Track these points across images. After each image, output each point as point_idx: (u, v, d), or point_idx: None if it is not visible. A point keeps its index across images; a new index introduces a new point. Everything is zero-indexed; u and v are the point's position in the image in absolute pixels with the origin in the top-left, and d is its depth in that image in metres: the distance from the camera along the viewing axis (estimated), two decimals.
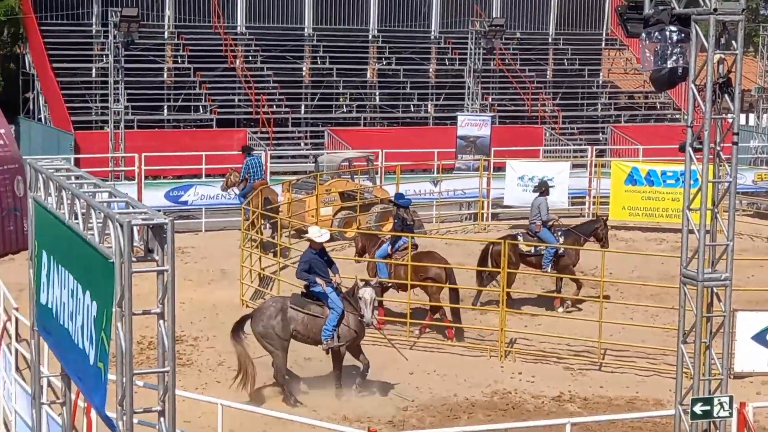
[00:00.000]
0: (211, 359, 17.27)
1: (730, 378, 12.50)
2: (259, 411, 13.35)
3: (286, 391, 15.47)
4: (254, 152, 26.36)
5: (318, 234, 15.97)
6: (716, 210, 11.55)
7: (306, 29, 39.42)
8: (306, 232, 17.08)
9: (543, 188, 21.32)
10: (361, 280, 16.13)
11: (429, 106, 39.76)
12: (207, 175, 29.40)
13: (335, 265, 16.09)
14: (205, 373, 16.73)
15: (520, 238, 20.64)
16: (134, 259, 7.51)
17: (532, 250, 20.49)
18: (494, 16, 39.38)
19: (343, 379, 15.86)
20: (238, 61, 37.70)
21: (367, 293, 15.59)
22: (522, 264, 20.58)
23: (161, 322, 7.70)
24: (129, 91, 32.73)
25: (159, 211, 8.48)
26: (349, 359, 16.02)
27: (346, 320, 15.64)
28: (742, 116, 36.38)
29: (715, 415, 11.31)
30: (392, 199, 21.01)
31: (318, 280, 15.60)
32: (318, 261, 15.78)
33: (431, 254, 19.08)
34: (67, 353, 8.91)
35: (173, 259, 7.56)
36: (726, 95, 11.31)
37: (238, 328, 15.57)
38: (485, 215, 29.56)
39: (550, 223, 20.81)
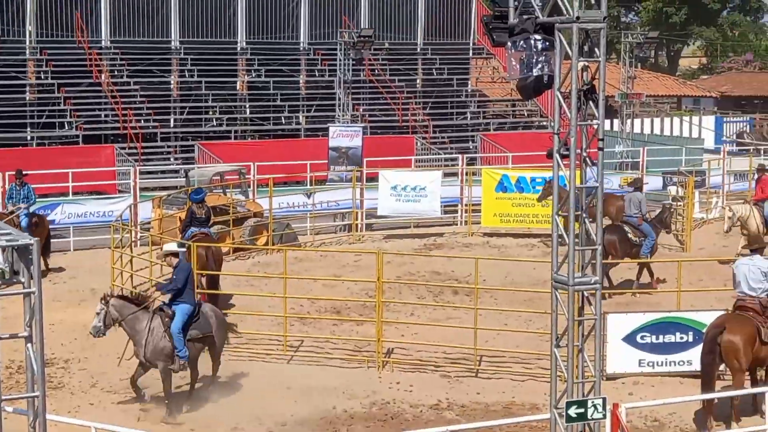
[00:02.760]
0: (84, 381, 16.89)
1: (602, 380, 12.74)
2: None
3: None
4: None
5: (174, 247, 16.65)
6: (584, 215, 11.77)
7: (173, 42, 38.95)
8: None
9: (638, 184, 23.98)
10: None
11: (300, 117, 39.68)
12: (74, 193, 28.84)
13: None
14: (78, 395, 16.35)
15: (627, 230, 22.32)
16: None
17: (638, 241, 22.27)
18: (362, 26, 39.52)
19: (214, 393, 16.03)
20: (103, 75, 37.02)
21: None
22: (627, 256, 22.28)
23: (29, 345, 7.52)
24: None
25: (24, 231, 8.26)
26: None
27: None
28: (607, 122, 37.20)
29: (589, 417, 11.52)
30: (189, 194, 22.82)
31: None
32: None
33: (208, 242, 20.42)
34: None
35: (40, 281, 7.39)
36: (590, 102, 11.55)
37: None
38: (359, 226, 29.60)
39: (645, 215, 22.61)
